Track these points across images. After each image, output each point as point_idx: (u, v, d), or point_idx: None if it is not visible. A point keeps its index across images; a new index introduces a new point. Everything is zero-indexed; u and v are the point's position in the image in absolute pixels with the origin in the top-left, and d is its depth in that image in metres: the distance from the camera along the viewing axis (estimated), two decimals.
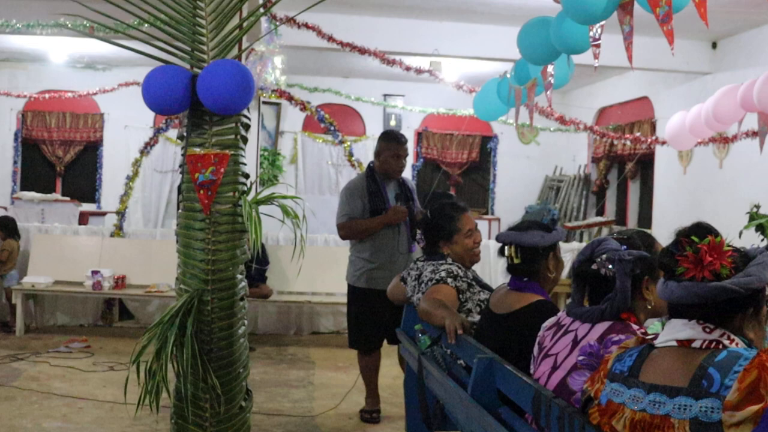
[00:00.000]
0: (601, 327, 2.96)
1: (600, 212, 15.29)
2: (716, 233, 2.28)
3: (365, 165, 10.59)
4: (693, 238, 2.24)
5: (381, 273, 6.50)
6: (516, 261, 3.85)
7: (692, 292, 2.21)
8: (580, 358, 2.75)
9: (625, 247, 3.03)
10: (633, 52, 4.59)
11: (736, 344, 2.21)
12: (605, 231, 14.67)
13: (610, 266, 2.96)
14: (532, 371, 3.24)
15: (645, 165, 13.95)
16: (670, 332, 2.29)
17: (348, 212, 6.69)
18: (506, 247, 3.89)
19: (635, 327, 2.92)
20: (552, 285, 4.03)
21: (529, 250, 3.85)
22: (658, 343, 2.31)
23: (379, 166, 6.81)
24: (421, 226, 5.04)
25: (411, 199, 6.82)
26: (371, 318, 6.56)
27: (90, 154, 16.10)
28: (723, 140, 10.32)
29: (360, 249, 6.73)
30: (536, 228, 3.91)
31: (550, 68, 5.93)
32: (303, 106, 10.48)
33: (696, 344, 2.21)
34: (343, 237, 6.88)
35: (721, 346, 2.19)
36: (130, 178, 10.64)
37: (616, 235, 3.21)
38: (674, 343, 2.25)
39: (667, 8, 4.15)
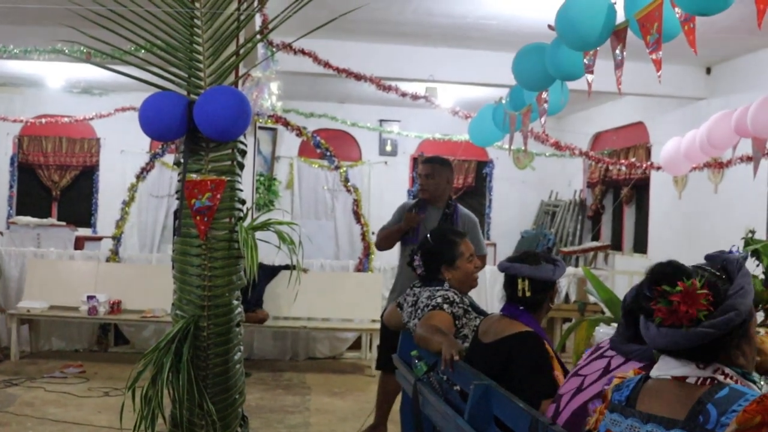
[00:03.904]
0: (638, 363, 2.93)
1: (596, 237, 15.28)
2: (688, 274, 2.23)
3: (361, 190, 10.72)
4: (665, 287, 2.20)
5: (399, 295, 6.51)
6: (528, 294, 3.88)
7: (672, 341, 2.19)
8: (606, 387, 2.73)
9: None
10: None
11: (732, 378, 2.20)
12: (601, 256, 14.69)
13: None
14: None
15: (640, 190, 13.97)
16: (664, 367, 2.27)
17: (386, 224, 6.98)
18: (519, 280, 3.91)
19: None
20: (546, 313, 4.06)
21: (541, 283, 3.90)
22: (653, 374, 2.30)
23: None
24: (422, 252, 5.01)
25: None
26: (392, 338, 6.51)
27: (86, 178, 16.10)
28: (718, 165, 10.35)
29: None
30: (544, 261, 3.96)
31: (544, 94, 5.95)
32: (299, 131, 10.50)
33: (690, 380, 2.20)
34: (376, 245, 7.24)
35: (716, 383, 2.17)
36: (126, 203, 10.63)
37: None
38: (669, 377, 2.25)
39: (657, 36, 4.17)
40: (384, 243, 6.96)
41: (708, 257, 2.38)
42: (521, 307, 3.89)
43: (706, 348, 2.19)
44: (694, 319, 2.16)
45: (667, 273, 2.24)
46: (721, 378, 2.19)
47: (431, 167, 6.90)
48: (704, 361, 2.21)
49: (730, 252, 2.35)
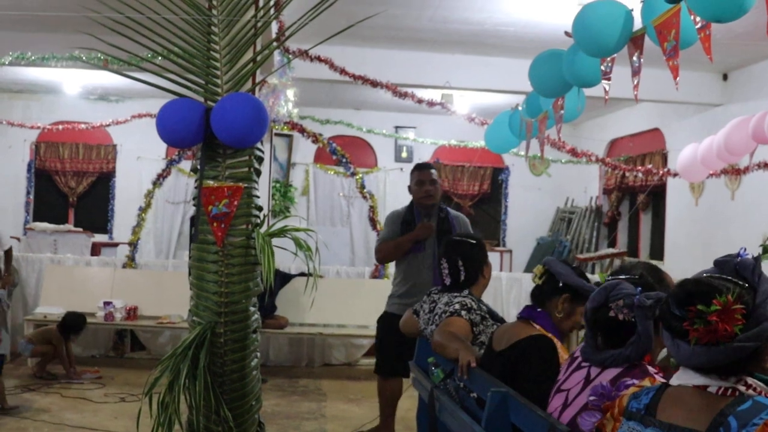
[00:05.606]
0: (615, 369, 2.92)
1: (612, 244, 15.24)
2: (719, 290, 2.17)
3: (377, 197, 10.67)
4: (700, 307, 2.16)
5: (407, 299, 6.45)
6: (537, 281, 3.85)
7: (710, 359, 2.16)
8: (591, 398, 2.70)
9: (639, 289, 2.97)
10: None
11: (754, 388, 2.18)
12: (617, 263, 14.63)
13: (628, 311, 2.92)
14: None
15: (657, 196, 13.92)
16: (685, 377, 2.25)
17: (383, 236, 6.87)
18: (540, 266, 3.89)
19: (652, 370, 2.88)
20: (570, 331, 3.98)
21: (552, 276, 3.83)
22: (673, 382, 2.28)
23: (413, 198, 6.84)
24: (464, 257, 4.85)
25: (450, 232, 6.65)
26: (392, 341, 6.50)
27: (103, 185, 16.15)
28: (735, 172, 10.31)
29: (394, 278, 6.89)
30: (571, 271, 3.83)
31: (561, 101, 5.94)
32: (315, 138, 10.51)
33: (712, 389, 2.18)
34: (378, 260, 7.14)
35: (737, 393, 2.15)
36: (143, 210, 10.66)
37: (625, 276, 3.13)
38: (690, 386, 2.22)
39: (675, 43, 4.16)
40: (392, 256, 6.81)
41: (717, 263, 2.33)
42: (539, 309, 3.85)
43: (739, 360, 2.17)
44: (732, 334, 2.14)
45: (699, 292, 2.19)
46: (743, 389, 2.17)
47: (431, 172, 6.85)
48: (735, 374, 2.19)
49: (739, 255, 2.32)
